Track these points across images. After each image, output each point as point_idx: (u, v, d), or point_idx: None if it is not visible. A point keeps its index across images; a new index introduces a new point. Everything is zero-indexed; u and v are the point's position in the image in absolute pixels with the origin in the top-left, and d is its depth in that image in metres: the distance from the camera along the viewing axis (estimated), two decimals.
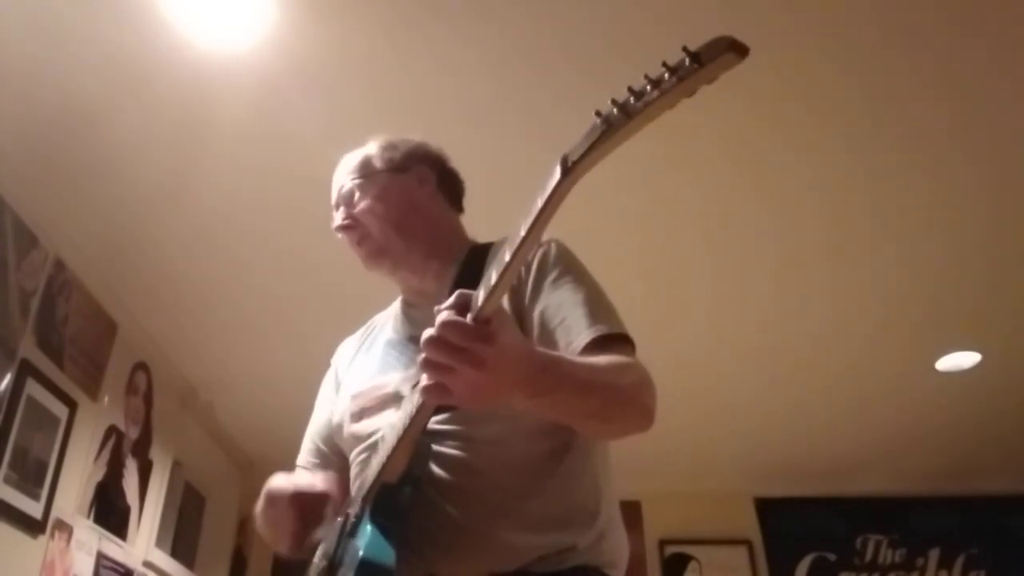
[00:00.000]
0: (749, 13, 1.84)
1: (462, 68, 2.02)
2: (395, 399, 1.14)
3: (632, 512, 4.24)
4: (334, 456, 1.29)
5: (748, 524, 4.32)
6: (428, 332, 0.81)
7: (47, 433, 2.45)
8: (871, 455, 4.09)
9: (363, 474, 1.12)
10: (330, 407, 1.32)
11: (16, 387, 2.28)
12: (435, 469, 1.05)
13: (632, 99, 0.65)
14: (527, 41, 1.94)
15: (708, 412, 3.67)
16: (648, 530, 4.23)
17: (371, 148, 1.34)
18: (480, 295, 0.80)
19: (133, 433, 3.02)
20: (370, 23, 1.89)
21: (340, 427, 1.24)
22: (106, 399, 2.81)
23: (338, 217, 1.30)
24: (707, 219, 2.55)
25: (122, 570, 2.88)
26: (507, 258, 0.77)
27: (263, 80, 2.03)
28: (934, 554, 4.24)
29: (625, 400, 0.98)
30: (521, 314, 1.10)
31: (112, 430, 2.85)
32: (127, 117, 2.13)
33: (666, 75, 0.63)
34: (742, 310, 2.98)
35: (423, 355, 0.81)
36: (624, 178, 2.27)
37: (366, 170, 1.31)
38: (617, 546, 1.10)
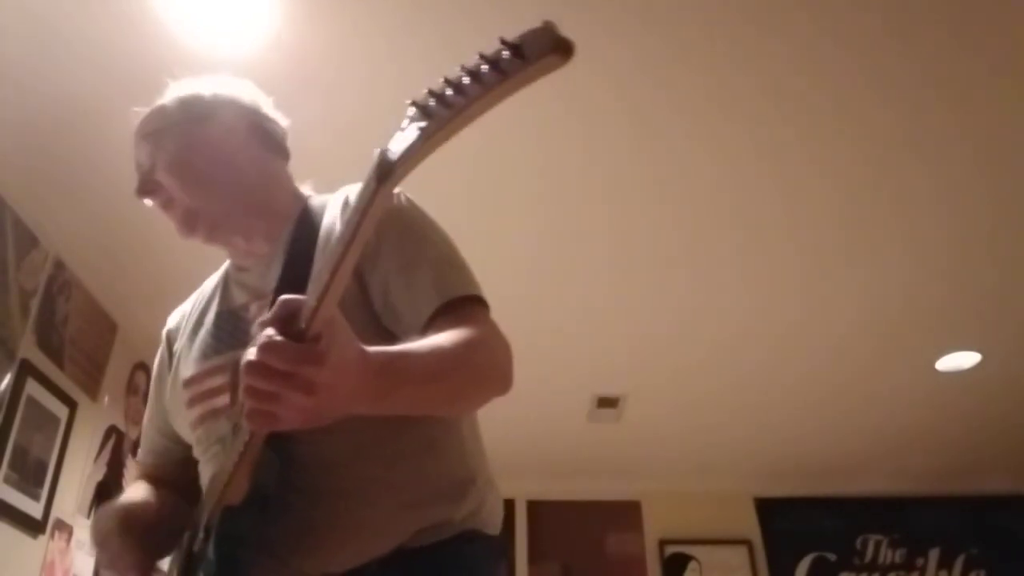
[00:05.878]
0: (767, 9, 1.84)
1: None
2: (229, 387, 1.03)
3: (632, 512, 4.24)
4: (176, 445, 1.16)
5: (748, 524, 4.32)
6: (248, 355, 0.69)
7: (47, 433, 2.44)
8: (871, 455, 4.10)
9: (207, 474, 1.02)
10: (166, 391, 1.17)
11: (16, 387, 2.28)
12: (289, 472, 0.93)
13: (450, 91, 0.56)
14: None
15: (709, 413, 3.67)
16: (648, 530, 4.24)
17: (167, 98, 1.18)
18: (311, 302, 0.68)
19: (133, 433, 3.02)
20: (370, 24, 1.89)
21: (177, 415, 1.12)
22: (106, 399, 2.81)
23: (138, 182, 1.14)
24: (721, 227, 2.54)
25: None
26: (336, 261, 0.66)
27: (262, 82, 2.01)
28: (934, 554, 4.24)
29: (478, 377, 0.91)
30: (362, 283, 0.98)
31: (112, 430, 2.86)
32: (127, 118, 2.11)
33: (484, 67, 0.54)
34: (741, 313, 2.99)
35: (244, 382, 0.69)
36: (648, 179, 2.26)
37: (160, 123, 1.15)
38: (496, 507, 1.05)
